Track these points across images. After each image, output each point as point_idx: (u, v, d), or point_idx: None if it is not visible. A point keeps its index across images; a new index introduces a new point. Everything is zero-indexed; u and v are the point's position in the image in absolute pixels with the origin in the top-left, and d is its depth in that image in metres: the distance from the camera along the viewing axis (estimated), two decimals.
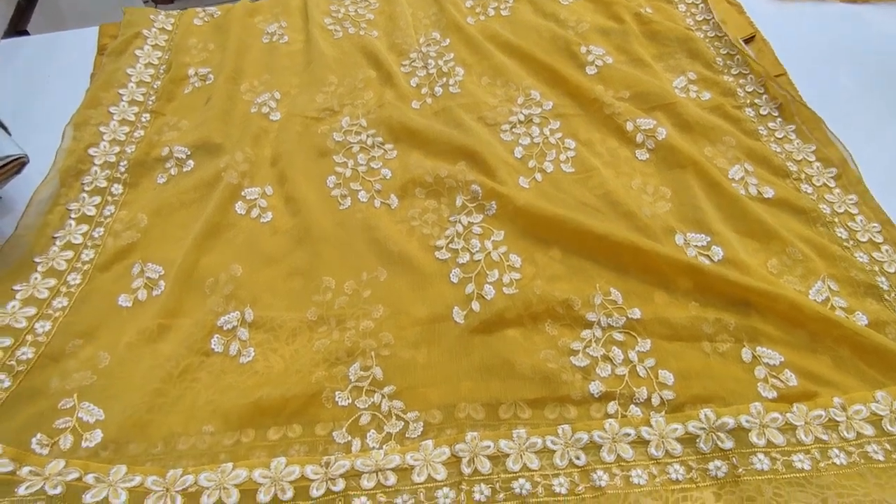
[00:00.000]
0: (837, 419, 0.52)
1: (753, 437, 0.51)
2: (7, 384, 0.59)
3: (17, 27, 1.21)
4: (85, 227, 0.73)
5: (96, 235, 0.73)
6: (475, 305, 0.64)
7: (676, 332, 0.61)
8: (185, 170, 0.81)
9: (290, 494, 0.49)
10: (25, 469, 0.51)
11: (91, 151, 0.81)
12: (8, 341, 0.62)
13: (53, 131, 0.82)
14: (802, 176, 0.74)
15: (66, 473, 0.51)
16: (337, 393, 0.57)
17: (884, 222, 0.68)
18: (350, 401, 0.57)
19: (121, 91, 0.91)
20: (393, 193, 0.77)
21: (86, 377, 0.59)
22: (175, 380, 0.59)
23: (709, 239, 0.68)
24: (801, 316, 0.60)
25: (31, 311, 0.65)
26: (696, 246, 0.68)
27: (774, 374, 0.57)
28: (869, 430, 0.52)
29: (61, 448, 0.54)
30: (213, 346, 0.62)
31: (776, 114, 0.81)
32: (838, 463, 0.49)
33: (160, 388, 0.58)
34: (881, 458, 0.50)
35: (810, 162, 0.75)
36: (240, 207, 0.76)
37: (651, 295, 0.64)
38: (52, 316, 0.65)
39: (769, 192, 0.72)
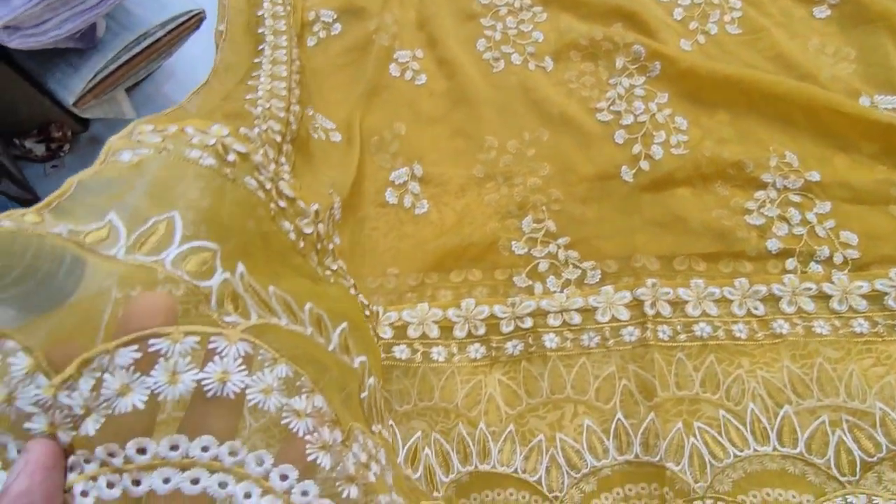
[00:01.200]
0: None
1: None
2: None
3: None
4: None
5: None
6: (644, 164, 0.65)
7: (859, 195, 0.61)
8: (332, 33, 0.84)
9: (482, 331, 0.55)
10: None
11: (258, 12, 0.82)
12: (281, 104, 0.63)
13: None
14: None
15: None
16: (513, 242, 0.62)
17: None
18: (526, 250, 0.61)
19: None
20: (547, 56, 0.77)
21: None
22: (355, 227, 0.65)
23: None
24: None
25: (280, 103, 0.64)
26: (886, 108, 0.66)
27: None
28: None
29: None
30: (387, 199, 0.67)
31: None
32: None
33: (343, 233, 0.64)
34: None
35: None
36: (394, 69, 0.79)
37: (830, 158, 0.64)
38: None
39: None
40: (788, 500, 0.47)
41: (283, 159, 0.56)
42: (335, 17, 0.85)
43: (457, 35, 0.81)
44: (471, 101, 0.74)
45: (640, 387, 0.51)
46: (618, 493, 0.50)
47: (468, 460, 0.51)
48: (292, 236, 0.43)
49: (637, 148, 0.67)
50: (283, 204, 0.43)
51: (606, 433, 0.51)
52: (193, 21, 0.74)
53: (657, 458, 0.48)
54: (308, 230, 0.46)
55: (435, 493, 0.48)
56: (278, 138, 0.57)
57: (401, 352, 0.55)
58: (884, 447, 0.46)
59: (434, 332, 0.56)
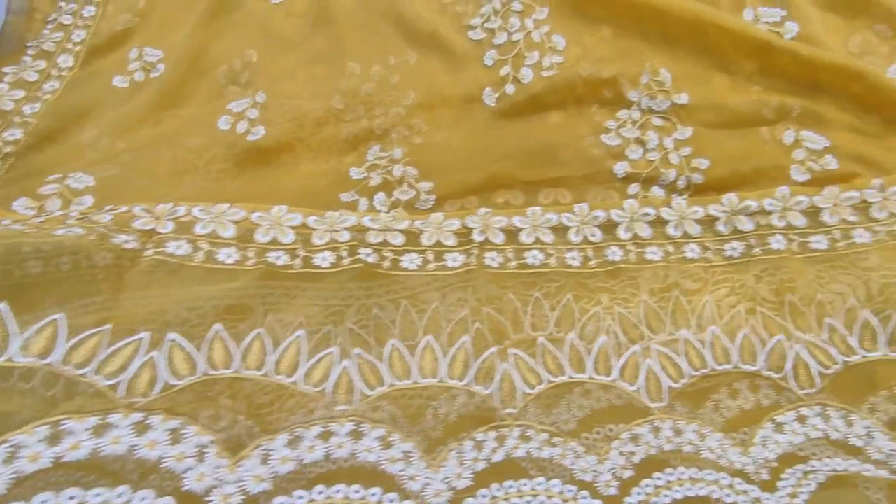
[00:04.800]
0: (871, 200, 0.62)
1: (774, 220, 0.62)
2: None
3: None
4: (74, 6, 0.83)
5: (87, 14, 0.83)
6: (509, 88, 0.73)
7: (730, 118, 0.69)
8: None
9: (290, 238, 0.61)
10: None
11: None
12: None
13: None
14: None
15: None
16: (352, 168, 0.69)
17: None
18: (365, 174, 0.68)
19: None
20: None
21: (110, 168, 0.69)
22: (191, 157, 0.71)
23: (784, 13, 0.75)
24: (879, 99, 0.67)
25: (20, 93, 0.76)
26: (767, 21, 0.75)
27: (814, 158, 0.66)
28: None
29: (49, 210, 0.65)
30: (220, 126, 0.72)
31: None
32: (859, 242, 0.60)
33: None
34: None
35: None
36: None
37: (710, 78, 0.72)
38: (42, 98, 0.76)
39: None
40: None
41: None
42: None
43: None
44: (333, 21, 0.80)
45: (492, 329, 0.58)
46: None
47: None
48: None
49: (506, 69, 0.74)
50: None
51: None
52: None
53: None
54: None
55: None
56: None
57: (177, 247, 0.59)
58: (686, 375, 0.55)
59: (231, 231, 0.61)
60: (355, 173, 0.69)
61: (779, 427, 0.53)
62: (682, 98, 0.70)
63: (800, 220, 0.61)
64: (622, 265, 0.60)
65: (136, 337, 0.53)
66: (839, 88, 0.68)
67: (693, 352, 0.56)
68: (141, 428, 0.50)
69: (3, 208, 0.65)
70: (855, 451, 0.51)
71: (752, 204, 0.62)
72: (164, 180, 0.68)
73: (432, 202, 0.67)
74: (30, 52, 0.80)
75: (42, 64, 0.79)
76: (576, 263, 0.61)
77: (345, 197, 0.67)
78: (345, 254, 0.60)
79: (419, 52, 0.77)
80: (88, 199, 0.66)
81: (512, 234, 0.63)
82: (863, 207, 0.62)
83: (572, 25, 0.76)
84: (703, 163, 0.66)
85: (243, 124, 0.73)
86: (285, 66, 0.78)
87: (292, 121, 0.73)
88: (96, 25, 0.82)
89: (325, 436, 0.52)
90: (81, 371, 0.51)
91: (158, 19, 0.83)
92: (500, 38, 0.76)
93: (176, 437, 0.50)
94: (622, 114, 0.70)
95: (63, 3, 0.84)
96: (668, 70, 0.71)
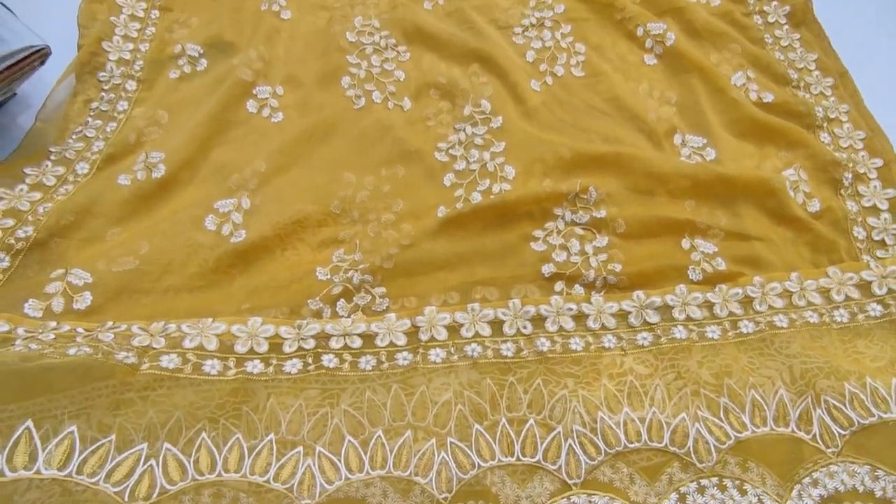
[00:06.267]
0: (752, 295, 0.77)
1: (675, 313, 0.75)
2: (6, 264, 0.80)
3: None
4: (100, 122, 0.96)
5: (109, 129, 0.96)
6: (459, 205, 0.87)
7: (637, 230, 0.84)
8: (198, 69, 1.04)
9: (264, 348, 0.73)
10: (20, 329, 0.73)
11: (105, 45, 1.03)
12: (10, 222, 0.83)
13: (56, 25, 1.02)
14: (801, 84, 0.97)
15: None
16: (318, 269, 0.81)
17: (874, 130, 0.91)
18: (328, 276, 0.81)
19: None
20: (406, 96, 0.99)
21: (129, 262, 0.81)
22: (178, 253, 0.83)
23: (705, 141, 0.92)
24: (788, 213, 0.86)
25: (37, 195, 0.87)
26: (692, 146, 0.92)
27: (707, 259, 0.81)
28: (779, 303, 0.77)
29: (54, 310, 0.77)
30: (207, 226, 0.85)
31: (784, 21, 1.03)
32: (745, 332, 0.74)
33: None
34: (785, 324, 0.75)
35: (810, 70, 0.98)
36: (251, 106, 0.99)
37: (628, 196, 0.87)
38: (55, 199, 0.87)
39: (768, 97, 0.96)
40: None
41: None
42: (201, 51, 1.05)
43: (323, 71, 1.02)
44: (331, 138, 0.94)
45: (472, 410, 0.69)
46: None
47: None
48: None
49: (459, 192, 0.89)
50: None
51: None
52: (35, 58, 0.92)
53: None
54: None
55: None
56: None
57: (169, 361, 0.70)
58: (602, 451, 0.67)
59: (213, 344, 0.72)
60: (321, 273, 0.81)
61: (682, 498, 0.65)
62: (601, 213, 0.84)
63: (696, 314, 0.75)
64: (549, 355, 0.72)
65: (136, 448, 0.65)
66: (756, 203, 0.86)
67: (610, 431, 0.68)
68: None
69: (16, 310, 0.76)
70: None
71: (657, 300, 0.75)
72: (151, 275, 0.80)
73: (386, 305, 0.79)
74: (52, 157, 0.91)
75: (61, 170, 0.89)
76: (509, 354, 0.73)
77: (312, 304, 0.78)
78: (310, 360, 0.72)
79: (406, 166, 0.91)
80: (87, 296, 0.77)
81: (454, 329, 0.75)
82: (747, 302, 0.76)
83: (525, 158, 0.92)
84: (617, 266, 0.80)
85: (228, 226, 0.85)
86: (290, 176, 0.90)
87: (296, 223, 0.85)
88: (115, 136, 0.94)
89: None
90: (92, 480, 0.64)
91: (175, 132, 0.95)
92: (460, 165, 0.91)
93: None
94: (549, 225, 0.84)
95: (90, 119, 0.96)
96: (595, 188, 0.86)
